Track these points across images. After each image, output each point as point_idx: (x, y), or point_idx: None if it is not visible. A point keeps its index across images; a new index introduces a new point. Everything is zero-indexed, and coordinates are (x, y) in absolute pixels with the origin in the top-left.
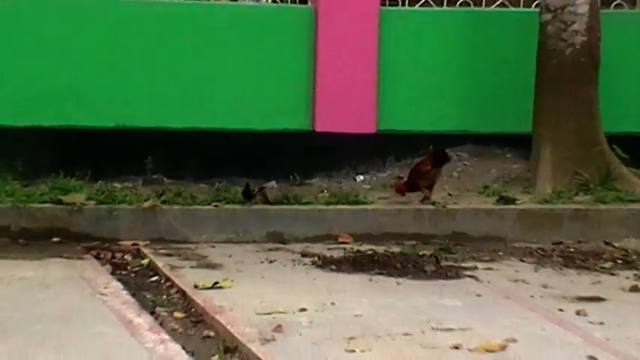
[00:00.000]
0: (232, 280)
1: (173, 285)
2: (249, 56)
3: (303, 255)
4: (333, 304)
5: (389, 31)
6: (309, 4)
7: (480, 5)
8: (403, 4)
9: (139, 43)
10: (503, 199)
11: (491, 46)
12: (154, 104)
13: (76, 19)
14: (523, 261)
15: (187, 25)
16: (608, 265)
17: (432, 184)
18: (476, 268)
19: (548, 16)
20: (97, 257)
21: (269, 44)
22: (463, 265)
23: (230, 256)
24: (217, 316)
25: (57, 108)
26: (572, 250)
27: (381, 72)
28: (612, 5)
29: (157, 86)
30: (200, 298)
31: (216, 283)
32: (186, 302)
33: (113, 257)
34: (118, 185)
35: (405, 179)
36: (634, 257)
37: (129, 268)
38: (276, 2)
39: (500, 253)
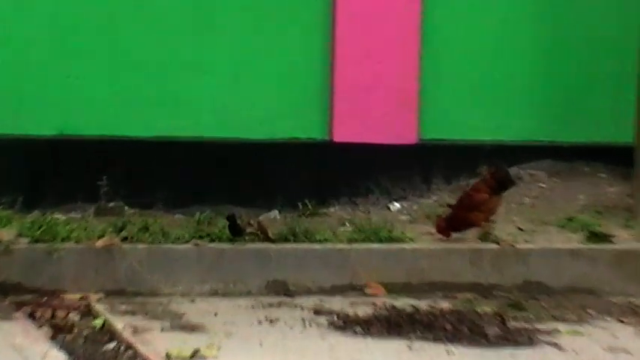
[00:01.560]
0: (219, 348)
1: (137, 355)
2: (244, 42)
3: (317, 312)
4: None
5: (436, 8)
6: None
7: None
8: None
9: (95, 23)
10: (596, 236)
11: (576, 28)
12: (112, 105)
13: None
14: (622, 322)
15: (163, 1)
16: None
17: (493, 215)
18: (557, 331)
19: None
20: (32, 316)
21: (271, 26)
22: (539, 327)
23: (216, 315)
24: None
25: None
26: None
27: (424, 63)
28: None
29: (118, 81)
30: None
31: (196, 351)
32: None
33: (54, 316)
34: (60, 216)
35: (449, 213)
36: None
37: (76, 331)
38: None
39: (591, 311)
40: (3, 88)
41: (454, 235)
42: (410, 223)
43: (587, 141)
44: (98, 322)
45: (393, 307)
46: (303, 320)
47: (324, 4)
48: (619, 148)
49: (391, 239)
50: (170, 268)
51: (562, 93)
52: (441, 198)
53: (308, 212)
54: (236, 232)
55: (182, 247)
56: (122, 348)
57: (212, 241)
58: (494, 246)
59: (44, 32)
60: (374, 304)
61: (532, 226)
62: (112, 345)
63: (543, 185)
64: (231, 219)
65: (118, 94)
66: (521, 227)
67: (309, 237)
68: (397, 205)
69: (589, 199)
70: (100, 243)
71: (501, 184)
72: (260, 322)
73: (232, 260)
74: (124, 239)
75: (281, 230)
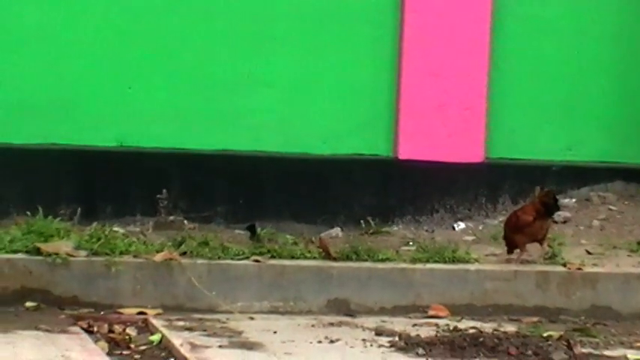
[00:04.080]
0: None
1: None
2: (307, 55)
3: (378, 333)
4: None
5: (506, 21)
6: None
7: None
8: None
9: (154, 34)
10: None
11: None
12: (172, 117)
13: (66, 2)
14: None
15: (223, 12)
16: None
17: (536, 240)
18: (625, 358)
19: None
20: (88, 330)
21: (335, 38)
22: (607, 353)
23: (275, 333)
24: None
25: (35, 121)
26: None
27: (493, 80)
28: None
29: (178, 93)
30: None
31: None
32: None
33: (111, 331)
34: (119, 229)
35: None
36: None
37: (132, 346)
38: None
39: None
40: (63, 99)
41: (525, 254)
42: (475, 243)
43: None
44: (155, 338)
45: (456, 329)
46: (364, 340)
47: (391, 18)
48: None
49: (455, 260)
50: (229, 285)
51: (635, 113)
52: None
53: (371, 230)
54: (255, 239)
55: (242, 263)
56: None
57: (273, 257)
58: (561, 269)
59: (104, 44)
60: (437, 325)
61: (601, 250)
62: None
63: (613, 208)
64: (252, 228)
65: (178, 106)
66: (590, 250)
67: (371, 256)
68: (462, 224)
69: None
70: (158, 257)
71: (547, 209)
72: (320, 342)
73: (293, 278)
74: (183, 254)
75: (343, 248)
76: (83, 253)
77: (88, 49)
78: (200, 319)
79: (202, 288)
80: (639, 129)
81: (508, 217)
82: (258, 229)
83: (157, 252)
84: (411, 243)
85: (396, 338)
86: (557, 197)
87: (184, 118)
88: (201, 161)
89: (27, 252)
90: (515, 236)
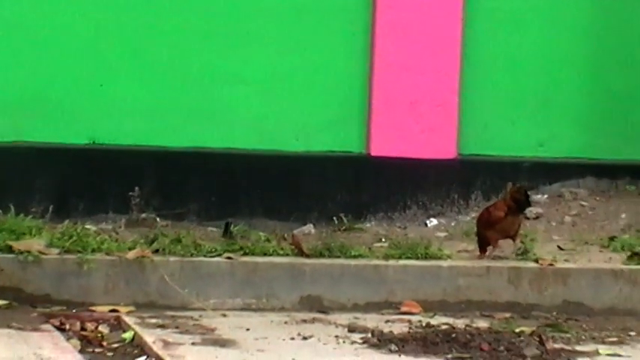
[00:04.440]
0: None
1: None
2: (281, 53)
3: (351, 330)
4: None
5: (478, 16)
6: None
7: None
8: None
9: (127, 30)
10: (638, 256)
11: (623, 42)
12: (145, 114)
13: None
14: None
15: (196, 8)
16: None
17: (509, 236)
18: (597, 353)
19: None
20: (61, 328)
21: (308, 35)
22: (579, 348)
23: (248, 330)
24: None
25: (6, 118)
26: None
27: (465, 76)
28: None
29: (151, 90)
30: None
31: None
32: None
33: (83, 329)
34: (91, 227)
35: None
36: None
37: (105, 344)
38: None
39: (633, 333)
40: (34, 95)
41: (497, 250)
42: (447, 240)
43: (631, 159)
44: (128, 336)
45: (429, 326)
46: (337, 337)
47: (363, 15)
48: None
49: (428, 256)
50: (202, 282)
51: (607, 109)
52: None
53: (343, 227)
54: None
55: (215, 260)
56: None
57: (246, 254)
58: (533, 265)
59: (77, 40)
60: (409, 321)
61: (572, 246)
62: (141, 358)
63: (585, 204)
64: (227, 225)
65: (152, 103)
66: (562, 246)
67: (344, 252)
68: (434, 221)
69: (631, 218)
70: (131, 255)
71: (519, 205)
72: (293, 338)
73: (265, 275)
74: (156, 251)
75: (315, 245)
76: (55, 250)
77: (60, 45)
78: (173, 317)
79: (175, 285)
80: (611, 125)
81: (480, 213)
82: (231, 227)
83: (130, 249)
84: (383, 239)
85: (369, 335)
86: (529, 193)
87: (157, 115)
88: (173, 158)
89: None
90: (487, 232)
